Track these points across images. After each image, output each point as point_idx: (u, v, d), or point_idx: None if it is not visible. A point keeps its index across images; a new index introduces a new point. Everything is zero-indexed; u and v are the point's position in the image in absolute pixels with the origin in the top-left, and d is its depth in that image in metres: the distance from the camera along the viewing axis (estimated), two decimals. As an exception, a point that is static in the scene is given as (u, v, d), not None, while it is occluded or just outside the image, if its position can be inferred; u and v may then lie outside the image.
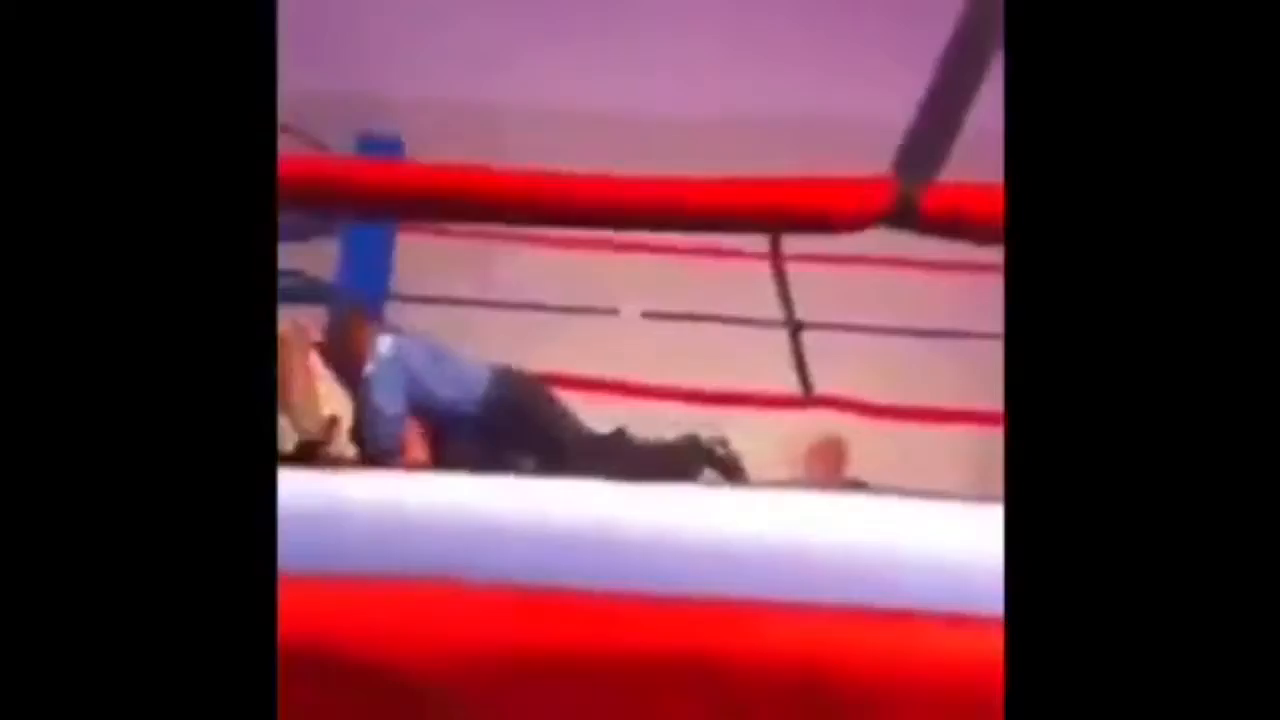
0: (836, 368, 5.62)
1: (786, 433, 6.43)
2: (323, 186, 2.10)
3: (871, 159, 1.84)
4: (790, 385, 5.80)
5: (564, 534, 1.59)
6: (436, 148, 4.32)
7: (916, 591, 1.48)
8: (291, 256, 6.14)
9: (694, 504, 1.70)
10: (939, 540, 1.39)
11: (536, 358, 5.39)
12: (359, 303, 5.84)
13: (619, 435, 4.97)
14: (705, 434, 5.03)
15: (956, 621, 1.44)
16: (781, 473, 5.74)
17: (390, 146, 6.45)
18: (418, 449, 4.67)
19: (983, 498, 1.58)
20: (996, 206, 1.41)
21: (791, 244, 2.44)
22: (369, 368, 4.60)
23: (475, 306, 5.89)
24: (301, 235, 6.24)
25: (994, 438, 1.71)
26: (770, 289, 4.33)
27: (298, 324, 4.43)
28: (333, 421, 4.31)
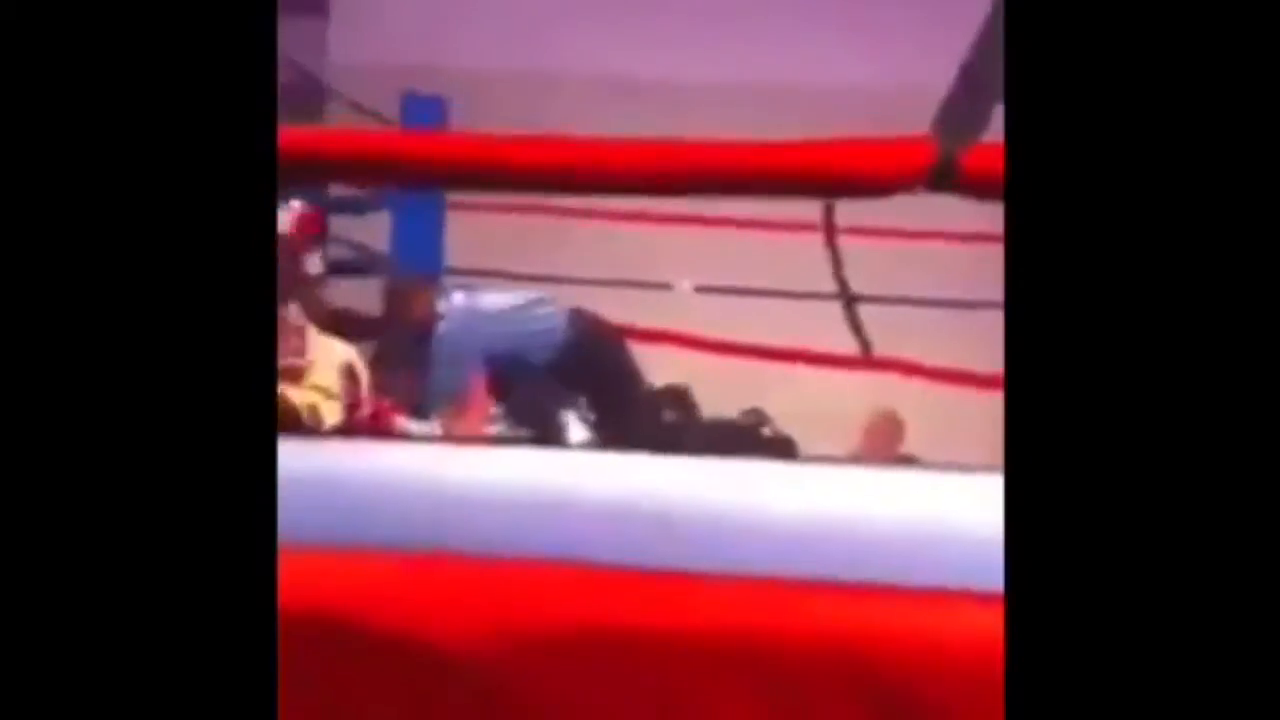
0: (895, 337, 5.58)
1: (846, 406, 6.41)
2: (370, 160, 2.09)
3: (912, 128, 1.81)
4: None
5: (608, 509, 1.58)
6: (484, 117, 4.32)
7: (967, 570, 1.45)
8: (348, 230, 6.18)
9: (744, 480, 1.67)
10: (992, 517, 1.35)
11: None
12: (418, 272, 5.88)
13: (681, 392, 4.98)
14: (758, 414, 5.03)
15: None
16: (838, 448, 5.73)
17: (434, 104, 6.46)
18: (482, 403, 4.67)
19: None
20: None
21: (845, 216, 2.40)
22: (440, 325, 4.63)
23: (527, 282, 5.89)
24: (358, 209, 6.26)
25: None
26: (823, 262, 4.29)
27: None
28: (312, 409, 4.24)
